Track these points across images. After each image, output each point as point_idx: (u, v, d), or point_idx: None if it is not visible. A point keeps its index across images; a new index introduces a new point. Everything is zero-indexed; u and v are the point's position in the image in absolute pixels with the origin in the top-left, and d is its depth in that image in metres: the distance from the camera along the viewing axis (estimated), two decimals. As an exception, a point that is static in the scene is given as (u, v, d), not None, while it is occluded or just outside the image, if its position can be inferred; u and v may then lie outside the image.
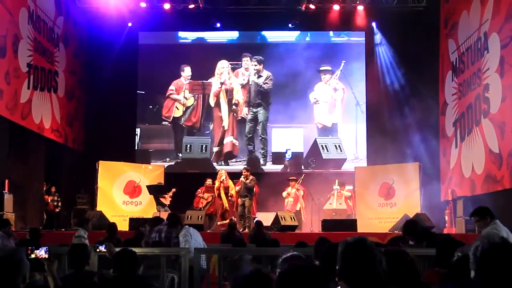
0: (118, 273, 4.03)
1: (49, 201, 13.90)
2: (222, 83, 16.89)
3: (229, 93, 16.92)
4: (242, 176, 13.64)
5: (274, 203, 14.32)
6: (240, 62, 16.98)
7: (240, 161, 16.63)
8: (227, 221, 12.73)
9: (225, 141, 16.70)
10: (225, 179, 13.87)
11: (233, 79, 16.97)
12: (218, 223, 13.63)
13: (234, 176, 14.37)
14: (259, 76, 16.82)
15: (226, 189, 13.85)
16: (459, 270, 3.23)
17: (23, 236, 9.35)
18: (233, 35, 17.40)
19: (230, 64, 17.06)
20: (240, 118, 16.85)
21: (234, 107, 16.84)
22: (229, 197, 13.88)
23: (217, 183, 13.91)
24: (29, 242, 7.45)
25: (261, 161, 16.69)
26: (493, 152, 11.63)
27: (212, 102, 16.88)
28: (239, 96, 16.89)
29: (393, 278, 3.58)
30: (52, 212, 13.98)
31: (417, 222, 6.53)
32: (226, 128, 16.78)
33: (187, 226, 7.87)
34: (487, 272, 2.31)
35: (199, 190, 14.30)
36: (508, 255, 2.30)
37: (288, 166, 16.27)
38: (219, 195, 13.86)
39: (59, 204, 14.18)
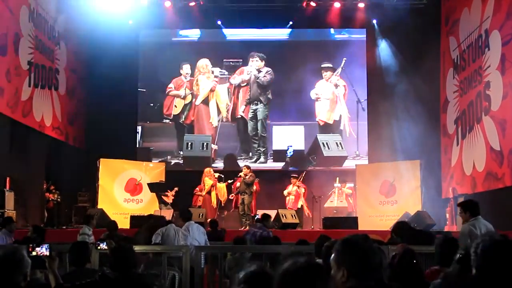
0: (116, 271, 4.03)
1: (50, 199, 13.89)
2: (216, 77, 16.88)
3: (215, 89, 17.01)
4: (242, 173, 13.68)
5: (275, 200, 14.33)
6: (240, 60, 16.99)
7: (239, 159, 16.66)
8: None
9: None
10: (216, 177, 13.98)
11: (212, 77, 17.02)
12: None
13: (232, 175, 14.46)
14: (260, 72, 16.84)
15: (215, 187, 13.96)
16: (461, 268, 3.24)
17: (25, 233, 9.34)
18: (234, 32, 17.37)
19: (231, 62, 17.06)
20: (226, 120, 16.91)
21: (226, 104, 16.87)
22: (219, 197, 13.97)
23: (211, 181, 13.93)
24: (34, 239, 7.45)
25: (262, 159, 16.69)
26: (494, 149, 11.63)
27: (202, 98, 16.88)
28: (225, 95, 16.92)
29: (398, 276, 3.60)
30: (53, 210, 13.98)
31: (406, 223, 6.57)
32: (214, 125, 16.79)
33: (192, 222, 7.92)
34: (487, 269, 2.31)
35: (197, 189, 14.33)
36: (509, 252, 2.30)
37: (289, 163, 16.27)
38: (209, 192, 13.91)
39: (59, 200, 14.13)
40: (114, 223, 9.16)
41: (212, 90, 16.90)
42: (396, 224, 6.55)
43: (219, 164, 16.55)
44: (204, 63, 16.93)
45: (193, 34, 17.41)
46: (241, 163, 15.82)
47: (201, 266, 6.41)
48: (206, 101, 16.93)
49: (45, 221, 13.55)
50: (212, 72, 16.94)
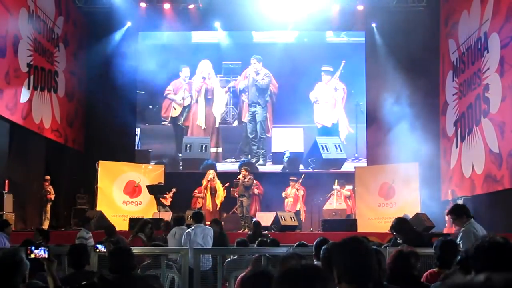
0: (115, 273, 4.02)
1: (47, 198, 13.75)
2: (204, 78, 16.88)
3: (210, 92, 16.94)
4: (241, 175, 13.66)
5: (274, 203, 14.32)
6: (239, 62, 17.01)
7: (239, 161, 16.62)
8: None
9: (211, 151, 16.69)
10: (212, 179, 13.83)
11: (213, 80, 16.96)
12: None
13: (232, 176, 14.43)
14: (258, 74, 16.85)
15: (213, 190, 13.84)
16: (461, 270, 3.24)
17: (23, 236, 9.33)
18: (233, 35, 17.37)
19: (230, 64, 17.07)
20: (226, 122, 16.93)
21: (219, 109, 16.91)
22: (216, 199, 13.86)
23: (204, 182, 13.90)
24: (39, 242, 7.42)
25: (261, 161, 16.69)
26: (493, 152, 11.64)
27: (191, 98, 16.90)
28: (221, 99, 16.91)
29: (392, 278, 3.59)
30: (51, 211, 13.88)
31: (406, 221, 6.56)
32: (203, 127, 16.79)
33: (200, 224, 7.93)
34: (487, 271, 2.31)
35: (195, 191, 14.31)
36: (509, 254, 2.30)
37: (287, 168, 16.30)
38: (205, 194, 13.88)
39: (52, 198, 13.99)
40: (112, 228, 9.14)
41: (197, 91, 16.90)
42: (396, 220, 6.50)
43: (225, 166, 16.55)
44: (201, 64, 16.95)
45: (192, 36, 17.42)
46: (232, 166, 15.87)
47: (199, 268, 6.39)
48: (197, 100, 16.94)
49: (48, 223, 13.47)
50: (201, 72, 16.90)
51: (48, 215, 13.57)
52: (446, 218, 13.31)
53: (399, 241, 6.17)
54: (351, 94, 16.81)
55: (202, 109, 16.90)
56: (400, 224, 6.35)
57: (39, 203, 13.54)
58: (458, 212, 6.17)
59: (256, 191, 13.93)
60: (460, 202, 12.74)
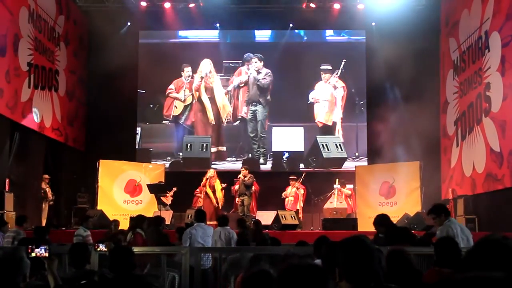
0: (115, 272, 4.03)
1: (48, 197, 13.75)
2: (202, 78, 16.87)
3: (210, 91, 16.93)
4: (241, 174, 13.66)
5: (275, 202, 14.31)
6: (240, 61, 17.01)
7: (240, 160, 16.61)
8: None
9: (212, 150, 16.65)
10: (211, 178, 13.78)
11: (215, 78, 16.94)
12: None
13: (232, 175, 14.42)
14: (259, 73, 16.84)
15: (213, 188, 13.80)
16: (463, 269, 3.23)
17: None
18: (234, 34, 17.38)
19: (231, 63, 17.06)
20: (227, 120, 16.92)
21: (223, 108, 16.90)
22: (216, 198, 13.81)
23: (203, 180, 13.90)
24: (33, 240, 7.43)
25: (261, 160, 16.69)
26: (494, 150, 11.63)
27: (192, 97, 16.91)
28: (221, 97, 16.90)
29: (395, 277, 3.59)
30: (51, 210, 13.88)
31: (388, 216, 6.66)
32: (214, 123, 16.80)
33: (201, 223, 7.92)
34: (487, 270, 2.31)
35: (197, 190, 14.31)
36: (509, 253, 2.30)
37: (286, 168, 16.32)
38: (206, 193, 13.86)
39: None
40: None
41: (196, 90, 16.89)
42: (378, 216, 6.58)
43: (226, 165, 16.54)
44: (202, 64, 16.94)
45: (192, 35, 17.43)
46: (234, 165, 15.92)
47: (200, 267, 6.39)
48: (200, 99, 16.94)
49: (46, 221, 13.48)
50: (200, 71, 16.92)
51: (45, 214, 13.56)
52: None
53: (381, 235, 6.25)
54: (352, 93, 16.80)
55: (204, 107, 16.88)
56: (381, 219, 6.43)
57: (39, 202, 13.54)
58: (437, 211, 6.28)
59: (253, 187, 13.91)
60: (461, 201, 12.77)
